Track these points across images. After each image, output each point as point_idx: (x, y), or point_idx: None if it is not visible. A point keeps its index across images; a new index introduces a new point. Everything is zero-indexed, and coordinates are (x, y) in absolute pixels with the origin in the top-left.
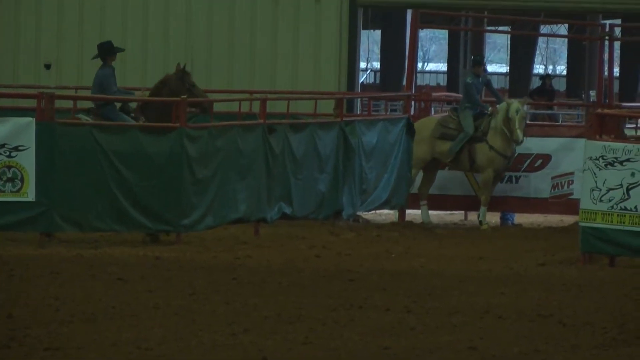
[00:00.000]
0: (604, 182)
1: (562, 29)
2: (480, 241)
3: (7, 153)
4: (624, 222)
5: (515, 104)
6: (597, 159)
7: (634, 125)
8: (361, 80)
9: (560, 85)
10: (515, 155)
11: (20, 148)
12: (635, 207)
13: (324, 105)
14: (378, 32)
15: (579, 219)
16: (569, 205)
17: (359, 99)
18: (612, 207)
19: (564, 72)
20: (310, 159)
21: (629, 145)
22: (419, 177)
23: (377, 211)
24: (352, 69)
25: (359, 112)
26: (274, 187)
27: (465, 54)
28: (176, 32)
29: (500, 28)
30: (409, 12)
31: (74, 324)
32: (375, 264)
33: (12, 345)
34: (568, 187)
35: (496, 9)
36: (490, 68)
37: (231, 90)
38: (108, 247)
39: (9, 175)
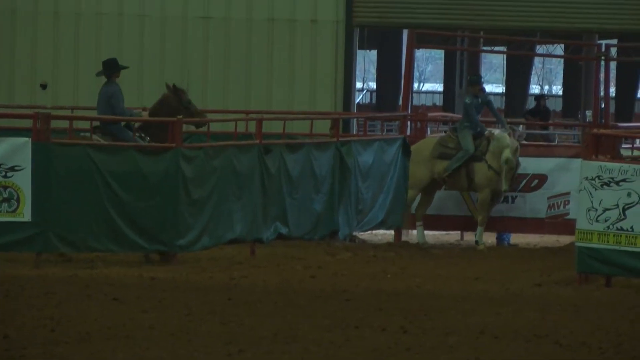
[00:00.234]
0: (600, 202)
1: (558, 49)
2: (476, 261)
3: (3, 173)
4: (620, 242)
5: (506, 152)
6: (593, 179)
7: (630, 145)
8: (357, 100)
9: (556, 105)
10: (515, 175)
11: (16, 168)
12: (632, 227)
13: (320, 125)
14: (374, 52)
15: (575, 239)
16: (565, 225)
17: (355, 119)
18: (608, 227)
19: (560, 92)
20: (306, 179)
21: (625, 166)
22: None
23: (373, 231)
24: (348, 89)
25: (355, 132)
26: (269, 207)
27: (461, 74)
28: (172, 52)
29: (496, 48)
30: (405, 32)
31: (69, 344)
32: (372, 284)
33: None
34: (564, 207)
35: (492, 29)
36: (487, 88)
37: (227, 111)
38: (104, 268)
39: (5, 196)
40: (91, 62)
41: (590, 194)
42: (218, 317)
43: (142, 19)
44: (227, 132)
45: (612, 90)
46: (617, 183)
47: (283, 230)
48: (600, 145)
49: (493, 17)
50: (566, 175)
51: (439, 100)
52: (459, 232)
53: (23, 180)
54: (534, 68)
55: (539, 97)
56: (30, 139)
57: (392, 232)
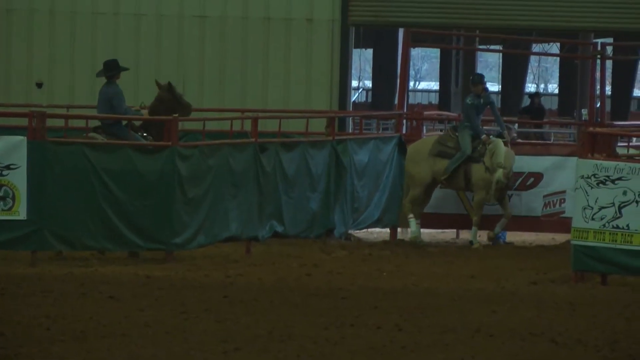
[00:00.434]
0: (595, 201)
1: (554, 47)
2: (471, 259)
3: None
4: (615, 241)
5: (499, 173)
6: (589, 177)
7: (625, 144)
8: (353, 99)
9: (552, 104)
10: (512, 176)
11: (11, 167)
12: (627, 226)
13: (316, 123)
14: (370, 51)
15: (570, 237)
16: (561, 223)
17: (350, 118)
18: (604, 225)
19: (556, 91)
20: (301, 178)
21: (621, 164)
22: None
23: (369, 230)
24: (344, 87)
25: (350, 131)
26: (265, 205)
27: (457, 73)
28: (168, 51)
29: (492, 47)
30: (401, 31)
31: (65, 343)
32: (367, 282)
33: None
34: (560, 205)
35: (488, 28)
36: None
37: (223, 109)
38: (99, 266)
39: (1, 194)
40: (87, 61)
41: (586, 192)
42: (214, 315)
43: (138, 18)
44: (223, 131)
45: (608, 89)
46: (612, 181)
47: (279, 229)
48: (596, 144)
49: (489, 15)
50: (562, 174)
51: (434, 99)
52: (455, 230)
53: (19, 179)
54: (529, 67)
55: (533, 96)
56: (25, 137)
57: (387, 230)
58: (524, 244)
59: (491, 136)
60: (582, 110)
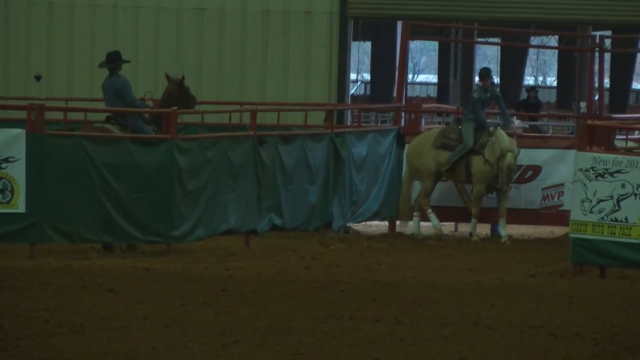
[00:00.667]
0: (594, 194)
1: (553, 40)
2: (470, 253)
3: None
4: (614, 234)
5: (509, 157)
6: (587, 170)
7: (624, 137)
8: (351, 91)
9: (550, 97)
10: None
11: (10, 159)
12: (626, 219)
13: (314, 116)
14: (368, 44)
15: (569, 230)
16: (560, 216)
17: (349, 111)
18: (602, 218)
19: (555, 84)
20: (300, 171)
21: (619, 157)
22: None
23: (368, 222)
24: (343, 80)
25: (349, 124)
26: (264, 198)
27: (455, 66)
28: (166, 43)
29: (491, 39)
30: (399, 24)
31: (64, 335)
32: (366, 275)
33: (2, 356)
34: (558, 198)
35: (486, 21)
36: None
37: (221, 102)
38: (98, 259)
39: None
40: (86, 53)
41: (585, 185)
42: (212, 308)
43: (136, 10)
44: (222, 124)
45: (607, 82)
46: (611, 174)
47: (277, 222)
48: (595, 137)
49: (487, 8)
50: (560, 167)
51: (433, 92)
52: (454, 223)
53: (17, 172)
54: (528, 59)
55: (530, 89)
56: (24, 130)
57: (386, 223)
58: (523, 237)
59: (498, 127)
60: (581, 103)
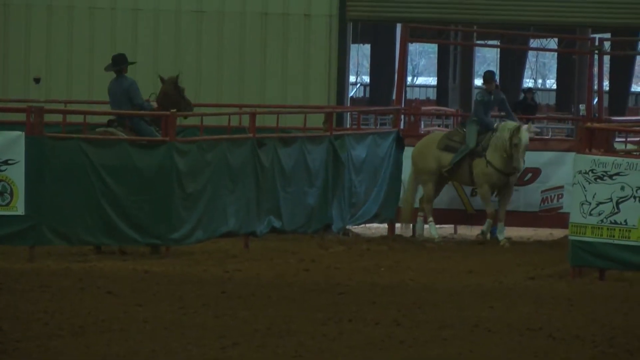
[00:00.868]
0: (593, 196)
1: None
2: (469, 255)
3: None
4: (613, 236)
5: (524, 131)
6: (586, 172)
7: (623, 139)
8: (351, 94)
9: (550, 99)
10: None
11: (9, 162)
12: (625, 221)
13: (314, 119)
14: (368, 46)
15: (568, 232)
16: (559, 219)
17: (348, 113)
18: (601, 220)
19: (554, 86)
20: (299, 173)
21: (619, 159)
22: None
23: (367, 225)
24: (342, 82)
25: (348, 126)
26: (263, 200)
27: (454, 68)
28: (165, 46)
29: (490, 42)
30: (399, 26)
31: (63, 338)
32: (365, 278)
33: (2, 358)
34: (558, 200)
35: (486, 23)
36: (479, 82)
37: (221, 104)
38: (97, 261)
39: None
40: (84, 56)
41: (584, 187)
42: (212, 310)
43: (135, 13)
44: (221, 126)
45: (606, 84)
46: (610, 177)
47: (276, 224)
48: (594, 139)
49: (486, 11)
50: (560, 169)
51: (432, 94)
52: (453, 225)
53: (16, 174)
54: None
55: (526, 91)
56: (23, 132)
57: (385, 225)
58: (522, 240)
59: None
60: (580, 105)
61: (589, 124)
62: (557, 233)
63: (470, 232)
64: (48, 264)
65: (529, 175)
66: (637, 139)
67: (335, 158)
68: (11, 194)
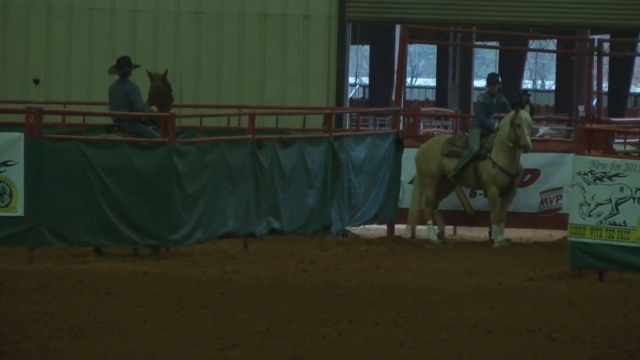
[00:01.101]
0: (592, 197)
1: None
2: (469, 256)
3: None
4: (612, 237)
5: (522, 111)
6: (585, 174)
7: (622, 140)
8: (350, 95)
9: (549, 100)
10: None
11: (8, 163)
12: (624, 222)
13: (313, 120)
14: (367, 48)
15: (567, 233)
16: (558, 220)
17: (347, 114)
18: (601, 222)
19: (553, 87)
20: (299, 174)
21: (618, 160)
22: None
23: (366, 226)
24: (341, 84)
25: (347, 127)
26: (262, 202)
27: (454, 69)
28: (164, 47)
29: (489, 43)
30: (398, 28)
31: (62, 339)
32: (364, 279)
33: (2, 359)
34: (557, 202)
35: (485, 25)
36: (479, 84)
37: (220, 106)
38: (96, 262)
39: None
40: (84, 57)
41: (583, 188)
42: (211, 311)
43: (134, 14)
44: (220, 127)
45: (605, 85)
46: (609, 178)
47: (276, 225)
48: (593, 140)
49: (485, 12)
50: (559, 170)
51: (431, 95)
52: (452, 226)
53: (16, 175)
54: (526, 63)
55: (523, 92)
56: (22, 134)
57: (384, 226)
58: (521, 241)
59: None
60: (579, 106)
61: (588, 125)
62: (556, 234)
63: (470, 233)
64: (47, 266)
65: (528, 176)
66: (636, 140)
67: (335, 159)
68: (10, 195)
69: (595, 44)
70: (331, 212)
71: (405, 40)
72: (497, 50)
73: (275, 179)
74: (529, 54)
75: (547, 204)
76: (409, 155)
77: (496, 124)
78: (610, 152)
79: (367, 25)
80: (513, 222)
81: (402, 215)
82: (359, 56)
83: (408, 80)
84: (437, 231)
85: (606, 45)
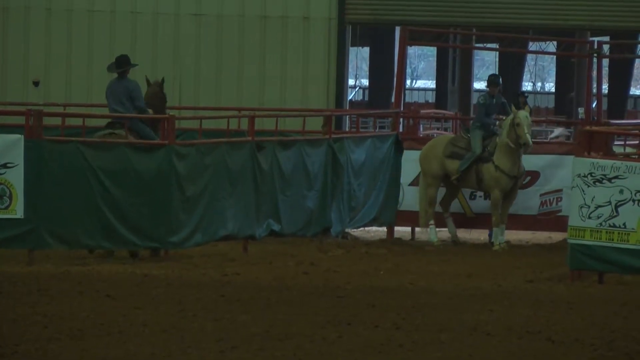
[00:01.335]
0: (592, 199)
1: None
2: (468, 258)
3: None
4: (612, 239)
5: (522, 111)
6: (585, 176)
7: (622, 143)
8: (350, 97)
9: (549, 102)
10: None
11: (8, 165)
12: (624, 224)
13: (313, 122)
14: (367, 49)
15: (567, 235)
16: (558, 222)
17: (347, 116)
18: (600, 224)
19: (553, 89)
20: (298, 176)
21: (617, 163)
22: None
23: (366, 228)
24: (341, 86)
25: (347, 129)
26: (262, 204)
27: (453, 71)
28: (164, 49)
29: (489, 45)
30: (398, 29)
31: (62, 341)
32: (364, 281)
33: None
34: (556, 204)
35: (484, 26)
36: (479, 85)
37: (219, 108)
38: (96, 264)
39: None
40: (83, 59)
41: (583, 191)
42: (211, 313)
43: (134, 16)
44: (220, 129)
45: (605, 88)
46: (609, 180)
47: (275, 227)
48: (593, 143)
49: (485, 14)
50: (559, 172)
51: (431, 97)
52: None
53: (15, 177)
54: (526, 65)
55: (520, 94)
56: (22, 136)
57: (384, 229)
58: (521, 243)
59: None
60: (579, 108)
61: (587, 127)
62: (556, 236)
63: (470, 235)
64: (47, 268)
65: (528, 178)
66: (636, 142)
67: (335, 161)
68: (10, 197)
69: (595, 46)
70: (331, 214)
71: (405, 42)
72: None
73: (275, 181)
74: (529, 56)
75: (547, 206)
76: (409, 157)
77: (497, 123)
78: (610, 154)
79: (367, 27)
80: (513, 224)
81: (401, 217)
82: (359, 58)
83: (408, 82)
84: (451, 233)
85: (606, 48)
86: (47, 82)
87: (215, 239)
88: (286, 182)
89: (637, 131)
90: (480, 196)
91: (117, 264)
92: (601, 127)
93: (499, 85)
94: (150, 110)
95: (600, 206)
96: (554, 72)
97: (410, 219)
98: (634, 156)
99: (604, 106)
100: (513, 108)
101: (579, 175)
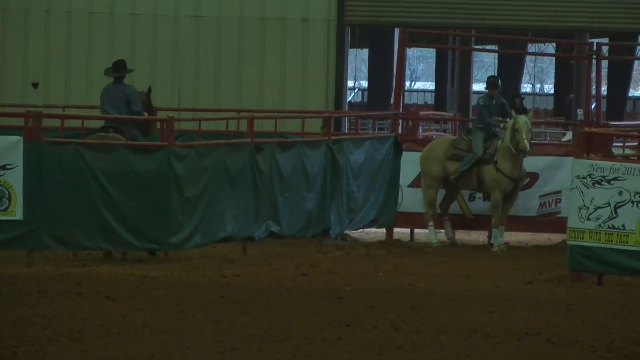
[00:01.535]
0: (591, 201)
1: (550, 47)
2: (467, 259)
3: None
4: (611, 241)
5: (522, 116)
6: (584, 177)
7: (621, 144)
8: (349, 99)
9: (548, 104)
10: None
11: (7, 167)
12: (623, 226)
13: (312, 123)
14: (366, 51)
15: (566, 237)
16: (557, 223)
17: (346, 118)
18: (599, 225)
19: (552, 91)
20: (297, 178)
21: (617, 164)
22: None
23: (365, 230)
24: (340, 87)
25: (346, 131)
26: (261, 205)
27: (452, 73)
28: (163, 51)
29: (488, 47)
30: (397, 31)
31: (61, 343)
32: (363, 283)
33: None
34: (556, 205)
35: (484, 28)
36: (477, 87)
37: (219, 109)
38: (95, 266)
39: None
40: (83, 61)
41: (582, 192)
42: (210, 315)
43: (133, 18)
44: (219, 131)
45: (604, 89)
46: (608, 181)
47: (275, 229)
48: (592, 144)
49: (484, 15)
50: (558, 174)
51: (430, 99)
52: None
53: (15, 179)
54: (525, 67)
55: (516, 96)
56: (22, 137)
57: (383, 230)
58: (520, 244)
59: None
60: (578, 110)
61: (587, 129)
62: (555, 238)
63: (469, 236)
64: (46, 269)
65: (527, 180)
66: (635, 143)
67: (334, 163)
68: (9, 199)
69: (594, 48)
70: (330, 215)
71: (404, 44)
72: (496, 54)
73: (274, 183)
74: (528, 58)
75: (546, 208)
76: (408, 159)
77: (502, 125)
78: (609, 155)
79: (366, 28)
80: (512, 225)
81: (400, 219)
82: (358, 60)
83: (407, 83)
84: (448, 237)
85: (605, 49)
86: (47, 84)
87: (215, 241)
88: (285, 183)
89: (636, 133)
90: (479, 198)
91: (116, 266)
92: (600, 129)
93: (498, 87)
94: (145, 113)
95: (599, 207)
96: (553, 74)
97: (409, 220)
98: (633, 158)
99: (603, 108)
100: (513, 113)
101: (578, 177)
